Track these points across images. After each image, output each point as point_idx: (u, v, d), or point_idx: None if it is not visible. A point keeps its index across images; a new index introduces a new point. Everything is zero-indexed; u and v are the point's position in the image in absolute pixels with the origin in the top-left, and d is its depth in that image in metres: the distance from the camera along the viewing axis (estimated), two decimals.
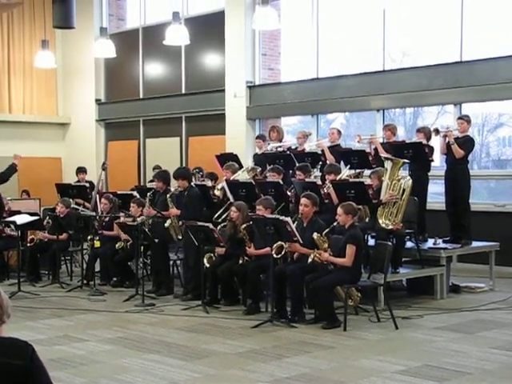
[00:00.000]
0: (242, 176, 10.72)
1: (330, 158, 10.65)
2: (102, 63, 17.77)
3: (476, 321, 8.12)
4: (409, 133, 13.41)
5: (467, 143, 10.09)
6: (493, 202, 12.17)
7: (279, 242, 7.89)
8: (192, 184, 9.81)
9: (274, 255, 7.89)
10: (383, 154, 9.57)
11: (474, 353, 6.72)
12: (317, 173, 10.87)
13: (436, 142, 10.45)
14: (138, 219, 9.70)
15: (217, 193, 10.34)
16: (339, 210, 8.00)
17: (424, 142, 10.00)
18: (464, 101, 12.24)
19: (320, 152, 10.97)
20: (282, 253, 7.92)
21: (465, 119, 10.26)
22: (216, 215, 9.72)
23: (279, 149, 11.57)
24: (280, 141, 11.79)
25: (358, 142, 10.88)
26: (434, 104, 13.19)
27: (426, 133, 10.22)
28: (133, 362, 6.52)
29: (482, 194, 12.62)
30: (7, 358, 2.99)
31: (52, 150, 18.04)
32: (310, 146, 11.59)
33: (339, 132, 11.41)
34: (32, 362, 3.04)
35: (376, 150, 10.43)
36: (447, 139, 10.07)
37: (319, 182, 9.69)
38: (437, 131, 10.17)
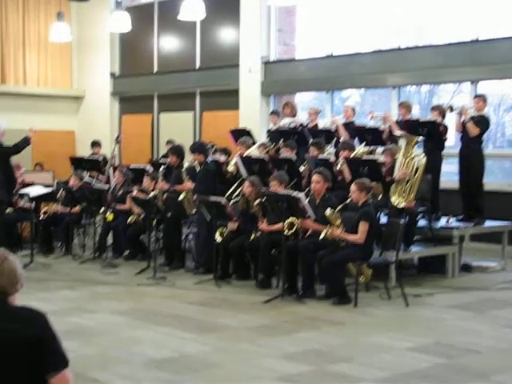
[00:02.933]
0: (254, 152, 10.71)
1: (344, 135, 10.61)
2: (116, 37, 17.70)
3: (487, 300, 8.12)
4: (424, 111, 13.34)
5: (482, 122, 10.02)
6: (507, 181, 12.10)
7: (290, 219, 7.89)
8: (207, 159, 9.80)
9: (286, 231, 7.89)
10: (397, 132, 9.52)
11: (485, 331, 6.73)
12: (331, 149, 10.83)
13: (451, 120, 10.38)
14: (151, 193, 9.71)
15: (230, 169, 10.34)
16: (353, 187, 7.99)
17: (438, 120, 9.94)
18: (480, 79, 12.12)
19: (334, 129, 10.93)
20: (294, 229, 7.92)
21: (481, 98, 10.17)
22: (230, 190, 9.72)
23: (291, 125, 11.53)
24: (293, 117, 11.75)
25: (371, 118, 10.82)
26: (450, 82, 13.08)
27: (441, 111, 10.15)
28: (144, 334, 6.57)
29: (496, 174, 12.56)
30: (21, 325, 3.04)
31: (66, 124, 18.04)
32: (324, 123, 11.55)
33: (353, 110, 11.37)
34: (45, 330, 3.08)
35: (390, 127, 10.37)
36: (463, 117, 10.00)
37: (333, 159, 9.67)
38: (451, 108, 10.10)
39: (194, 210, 9.69)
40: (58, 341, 3.15)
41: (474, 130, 9.90)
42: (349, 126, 10.97)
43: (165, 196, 9.80)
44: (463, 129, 10.07)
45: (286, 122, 11.60)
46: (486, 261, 10.10)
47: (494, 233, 10.13)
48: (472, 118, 9.94)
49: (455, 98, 13.65)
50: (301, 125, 11.55)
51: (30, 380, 3.07)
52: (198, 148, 9.75)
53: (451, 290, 8.61)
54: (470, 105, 10.37)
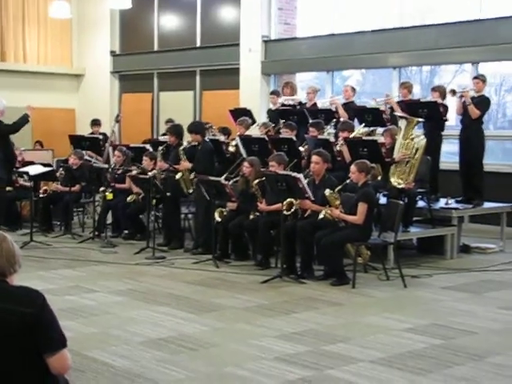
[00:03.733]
0: (253, 132, 10.69)
1: (344, 115, 10.58)
2: (117, 14, 17.62)
3: (485, 281, 8.14)
4: (425, 91, 13.27)
5: (483, 103, 10.00)
6: (507, 162, 12.09)
7: (289, 199, 7.90)
8: (206, 139, 9.79)
9: (284, 212, 7.90)
10: (398, 113, 9.50)
11: (482, 313, 6.75)
12: (330, 130, 10.82)
13: (452, 102, 10.36)
14: (150, 173, 9.71)
15: (231, 149, 10.33)
16: (352, 168, 7.98)
17: (439, 101, 9.92)
18: (482, 60, 12.08)
19: (334, 109, 10.91)
20: (292, 209, 7.93)
21: (480, 78, 10.14)
22: (230, 170, 9.71)
23: (290, 102, 11.50)
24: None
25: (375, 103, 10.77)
26: (452, 62, 13.04)
27: (442, 92, 10.13)
28: (142, 314, 6.59)
29: (496, 155, 12.54)
30: (19, 305, 3.06)
31: (66, 101, 18.00)
32: (323, 103, 11.52)
33: (353, 89, 11.33)
34: (42, 310, 3.10)
35: (392, 108, 10.35)
36: (463, 99, 9.97)
37: (332, 139, 9.65)
38: (453, 92, 10.07)
39: (190, 190, 9.69)
40: (56, 321, 3.17)
41: (474, 113, 9.88)
42: (349, 106, 10.95)
43: (163, 175, 9.80)
44: (464, 111, 10.04)
45: (284, 99, 11.56)
46: (484, 242, 10.12)
47: (493, 214, 10.14)
48: (472, 99, 9.92)
49: (457, 77, 13.59)
50: (300, 103, 11.52)
51: (28, 360, 3.10)
52: (196, 128, 9.73)
53: (449, 271, 8.63)
54: (470, 86, 10.33)
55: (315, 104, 11.51)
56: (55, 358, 3.09)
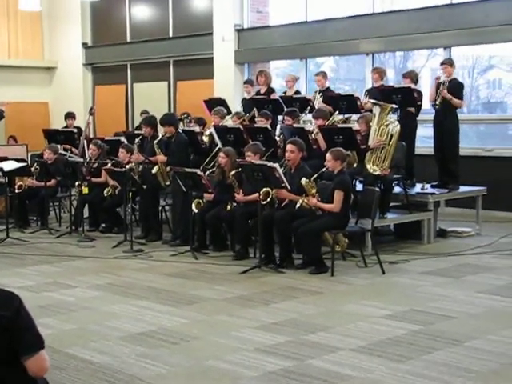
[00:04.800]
0: (228, 122, 10.66)
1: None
2: (88, 6, 17.48)
3: (462, 265, 8.20)
4: (398, 76, 13.30)
5: (457, 90, 10.00)
6: (481, 146, 12.17)
7: (265, 189, 7.89)
8: (179, 130, 9.74)
9: (261, 202, 7.89)
10: (371, 100, 9.51)
11: (460, 297, 6.80)
12: (305, 118, 10.81)
13: (425, 89, 10.39)
14: (127, 165, 9.65)
15: (205, 139, 10.30)
16: (328, 156, 7.98)
17: (413, 86, 9.94)
18: (454, 44, 12.15)
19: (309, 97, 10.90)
20: (269, 199, 7.93)
21: (446, 63, 10.17)
22: (206, 161, 9.68)
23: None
24: (268, 85, 11.68)
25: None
26: (424, 47, 13.10)
27: (413, 77, 10.19)
28: (121, 308, 6.57)
29: (471, 139, 12.61)
30: None
31: (39, 95, 17.84)
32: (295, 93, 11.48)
33: (324, 75, 11.24)
34: (19, 312, 3.06)
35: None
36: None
37: (308, 128, 9.65)
38: (443, 83, 9.97)
39: (168, 182, 9.66)
40: (33, 322, 3.13)
41: (459, 105, 9.94)
42: (324, 93, 10.94)
43: (140, 168, 9.75)
44: (437, 98, 10.03)
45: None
46: (460, 226, 10.20)
47: (469, 198, 10.21)
48: (445, 84, 9.92)
49: (430, 61, 13.64)
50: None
51: (4, 363, 3.06)
52: (168, 120, 9.67)
53: (427, 255, 8.68)
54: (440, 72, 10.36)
55: (297, 92, 11.51)
56: (33, 360, 3.06)
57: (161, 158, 9.59)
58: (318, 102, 10.66)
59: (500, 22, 11.35)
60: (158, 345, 5.52)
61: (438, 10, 12.18)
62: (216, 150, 9.67)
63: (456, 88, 10.01)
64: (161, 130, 9.97)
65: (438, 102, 9.89)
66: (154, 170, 9.58)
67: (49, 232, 10.56)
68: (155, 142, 9.64)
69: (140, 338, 5.66)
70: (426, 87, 13.12)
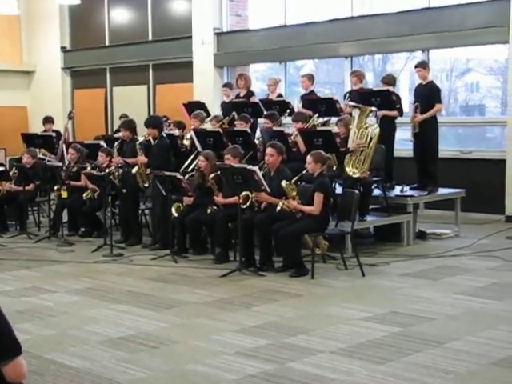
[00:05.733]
0: (207, 125, 10.66)
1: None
2: (66, 9, 17.42)
3: (441, 267, 8.24)
4: (377, 79, 13.33)
5: (434, 94, 10.07)
6: (460, 148, 12.25)
7: (245, 192, 7.89)
8: (162, 134, 9.71)
9: (241, 205, 7.89)
10: (351, 103, 9.53)
11: (439, 299, 6.84)
12: (285, 120, 10.82)
13: (404, 92, 10.45)
14: (107, 169, 9.60)
15: (186, 142, 10.29)
16: (308, 159, 7.99)
17: (391, 89, 9.99)
18: (432, 47, 12.23)
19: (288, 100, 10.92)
20: (248, 202, 7.93)
21: (420, 66, 10.25)
22: (185, 165, 9.67)
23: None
24: (247, 88, 11.68)
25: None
26: (403, 50, 13.18)
27: (391, 81, 10.24)
28: (101, 313, 6.54)
29: (449, 141, 12.69)
30: None
31: (17, 99, 17.74)
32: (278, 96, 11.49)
33: (310, 78, 11.15)
34: None
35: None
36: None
37: (287, 131, 9.66)
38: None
39: (146, 184, 9.64)
40: (9, 327, 3.10)
41: (439, 109, 10.04)
42: (304, 97, 10.94)
43: (120, 172, 9.71)
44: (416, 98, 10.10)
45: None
46: (439, 228, 10.25)
47: (448, 200, 10.27)
48: (421, 86, 10.01)
49: (408, 64, 13.71)
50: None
51: None
52: (153, 122, 9.67)
53: (406, 257, 8.72)
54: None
55: (280, 95, 11.52)
56: (10, 366, 3.02)
57: (141, 158, 9.58)
58: (297, 108, 10.63)
59: (477, 25, 11.44)
60: (137, 349, 5.49)
61: (415, 13, 12.26)
62: (195, 153, 9.66)
63: (434, 92, 10.08)
64: (141, 133, 9.95)
65: (415, 132, 9.96)
66: (134, 170, 9.56)
67: (28, 237, 10.50)
68: (138, 143, 9.62)
69: (120, 343, 5.64)
70: (404, 90, 13.19)
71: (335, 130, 9.29)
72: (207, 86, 14.47)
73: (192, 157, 9.69)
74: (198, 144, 9.88)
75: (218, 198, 8.68)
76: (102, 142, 11.11)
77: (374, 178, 9.33)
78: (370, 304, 6.68)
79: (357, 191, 8.31)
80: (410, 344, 5.49)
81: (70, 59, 17.63)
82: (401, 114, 10.02)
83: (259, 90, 13.44)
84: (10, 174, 10.93)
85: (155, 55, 15.79)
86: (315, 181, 7.92)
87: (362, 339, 5.62)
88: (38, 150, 11.62)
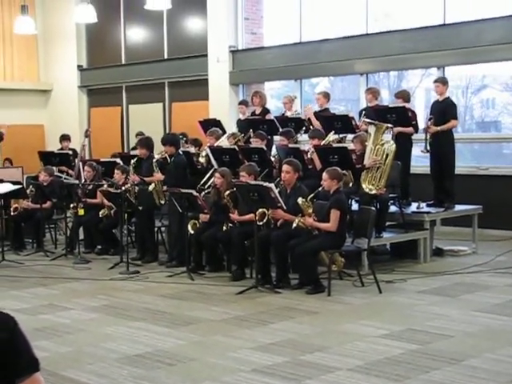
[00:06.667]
0: (223, 142, 10.69)
1: (316, 124, 10.59)
2: (83, 28, 17.56)
3: (459, 284, 8.19)
4: (392, 95, 13.37)
5: (450, 110, 10.05)
6: (476, 164, 12.21)
7: (261, 209, 7.90)
8: (179, 151, 9.75)
9: (257, 222, 7.89)
10: (367, 120, 9.53)
11: (457, 316, 6.79)
12: (301, 138, 10.83)
13: (419, 109, 10.43)
14: (123, 187, 9.64)
15: (201, 160, 10.32)
16: (324, 175, 7.99)
17: (407, 105, 9.98)
18: (448, 64, 12.22)
19: (303, 117, 10.93)
20: (265, 219, 7.92)
21: (439, 81, 10.23)
22: (202, 182, 9.71)
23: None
24: (263, 106, 11.71)
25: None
26: (418, 67, 13.17)
27: (405, 96, 10.22)
28: (118, 330, 6.54)
29: (465, 157, 12.65)
30: None
31: (34, 117, 17.87)
32: (294, 111, 11.52)
33: (325, 95, 11.17)
34: (14, 333, 3.03)
35: (310, 120, 10.57)
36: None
37: (303, 148, 9.67)
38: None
39: (163, 201, 9.67)
40: (28, 344, 3.10)
41: (453, 126, 10.00)
42: (319, 114, 10.95)
43: (137, 189, 9.75)
44: (433, 114, 10.07)
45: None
46: (457, 245, 10.19)
47: (465, 216, 10.21)
48: (438, 103, 10.00)
49: (424, 81, 13.71)
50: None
51: None
52: (170, 140, 9.72)
53: (423, 274, 8.67)
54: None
55: (296, 112, 11.55)
56: (27, 382, 3.02)
57: (158, 176, 9.63)
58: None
59: (492, 41, 11.43)
60: (154, 366, 5.49)
61: (431, 30, 12.26)
62: (212, 170, 9.69)
63: (449, 108, 10.06)
64: (157, 151, 9.99)
65: (428, 144, 9.93)
66: (150, 188, 9.60)
67: (44, 254, 10.53)
68: (154, 160, 9.67)
69: (136, 360, 5.63)
70: (419, 107, 13.17)
71: (351, 146, 9.28)
72: (223, 103, 14.52)
73: (209, 174, 9.71)
74: (213, 161, 9.91)
75: (234, 215, 8.68)
76: (118, 160, 11.16)
77: (391, 195, 9.31)
78: (387, 321, 6.64)
79: (373, 208, 8.29)
80: (428, 361, 5.45)
81: (86, 78, 17.76)
82: (416, 130, 10.00)
83: (274, 107, 13.46)
84: (27, 191, 10.98)
85: (171, 73, 15.87)
86: (331, 198, 7.91)
87: (380, 356, 5.59)
88: (54, 168, 11.68)
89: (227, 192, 8.70)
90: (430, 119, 9.98)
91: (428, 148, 9.95)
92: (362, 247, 8.25)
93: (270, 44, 14.71)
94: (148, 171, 9.75)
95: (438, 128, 9.86)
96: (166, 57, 16.14)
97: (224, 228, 8.77)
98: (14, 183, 10.68)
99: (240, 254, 8.63)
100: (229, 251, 8.88)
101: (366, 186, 8.85)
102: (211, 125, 11.40)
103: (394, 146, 9.02)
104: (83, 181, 10.82)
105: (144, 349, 5.93)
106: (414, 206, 10.01)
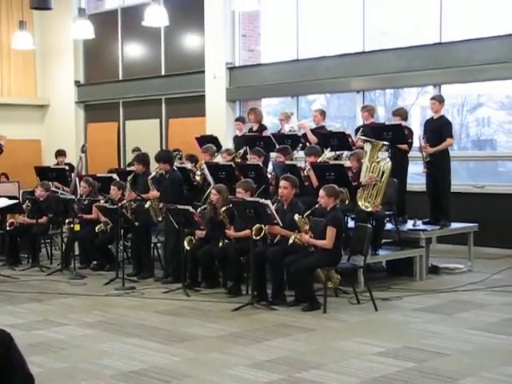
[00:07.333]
0: (217, 159, 10.71)
1: (313, 140, 10.62)
2: (80, 44, 17.62)
3: (454, 302, 8.19)
4: (389, 113, 13.41)
5: (446, 128, 10.10)
6: (472, 182, 12.24)
7: (258, 225, 7.90)
8: (174, 167, 9.77)
9: (254, 237, 7.89)
10: (363, 137, 9.56)
11: (453, 334, 6.78)
12: (297, 154, 10.86)
13: (415, 127, 10.47)
14: (119, 203, 9.64)
15: (197, 178, 10.33)
16: (321, 193, 8.00)
17: (403, 123, 10.01)
18: (443, 82, 12.28)
19: (300, 134, 10.96)
20: (261, 234, 7.93)
21: (436, 99, 10.28)
22: (202, 199, 9.72)
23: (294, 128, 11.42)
24: (259, 122, 11.72)
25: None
26: (414, 85, 13.25)
27: (403, 114, 10.27)
28: (113, 346, 6.52)
29: (461, 175, 12.68)
30: None
31: (31, 133, 17.89)
32: (290, 128, 11.56)
33: (322, 113, 11.24)
34: (9, 349, 3.03)
35: (305, 135, 10.60)
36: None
37: (299, 165, 9.69)
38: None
39: (160, 218, 9.67)
40: (23, 360, 3.10)
41: (450, 145, 10.06)
42: (315, 131, 10.98)
43: (134, 205, 9.74)
44: (428, 134, 10.13)
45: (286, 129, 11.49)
46: (452, 262, 10.20)
47: (461, 234, 10.23)
48: (432, 120, 10.07)
49: (420, 99, 13.77)
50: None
51: None
52: (164, 157, 9.72)
53: (419, 292, 8.67)
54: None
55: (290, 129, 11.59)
56: None
57: (153, 193, 9.64)
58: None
59: (488, 60, 11.49)
60: (149, 383, 5.47)
61: (427, 48, 12.34)
62: (211, 188, 9.69)
63: (445, 126, 10.11)
64: (153, 167, 10.00)
65: (427, 161, 9.97)
66: (147, 205, 9.61)
67: (40, 269, 10.51)
68: (149, 177, 9.68)
69: (132, 377, 5.61)
70: (415, 125, 13.22)
71: (347, 164, 9.30)
72: (219, 120, 14.56)
73: (209, 191, 9.71)
74: (209, 178, 9.92)
75: (230, 232, 8.68)
76: (114, 176, 11.16)
77: (387, 212, 9.32)
78: (383, 339, 6.63)
79: (369, 225, 8.30)
80: (424, 380, 5.44)
81: (83, 93, 17.80)
82: (409, 147, 10.03)
83: (271, 124, 13.50)
84: (24, 206, 10.97)
85: (168, 89, 15.92)
86: (328, 215, 7.92)
87: (376, 374, 5.58)
88: (51, 183, 11.68)
89: (223, 208, 8.71)
90: (424, 139, 10.03)
91: (428, 167, 10.00)
92: (358, 264, 8.25)
93: (267, 61, 14.77)
94: (144, 187, 9.76)
95: (434, 149, 9.91)
96: (163, 73, 16.19)
97: (220, 244, 8.77)
98: (11, 198, 10.67)
99: (236, 271, 8.62)
100: (225, 267, 8.87)
101: (362, 204, 8.87)
102: (208, 141, 11.42)
103: (390, 163, 9.04)
104: (79, 196, 10.81)
105: (139, 365, 5.91)
106: (410, 224, 10.02)
